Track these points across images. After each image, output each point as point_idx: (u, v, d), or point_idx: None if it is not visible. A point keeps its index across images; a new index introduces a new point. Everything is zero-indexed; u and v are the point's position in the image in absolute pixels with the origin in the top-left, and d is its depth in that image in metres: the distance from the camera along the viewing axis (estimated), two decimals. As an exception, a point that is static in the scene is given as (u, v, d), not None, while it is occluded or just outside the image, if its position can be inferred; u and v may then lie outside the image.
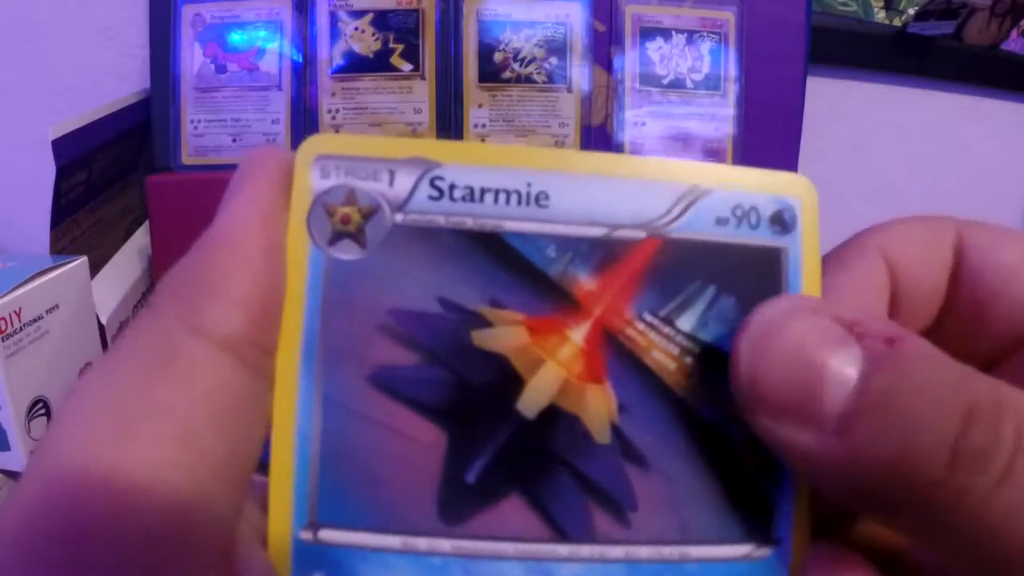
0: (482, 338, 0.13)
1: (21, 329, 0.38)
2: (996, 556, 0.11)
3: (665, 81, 0.57)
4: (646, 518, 0.13)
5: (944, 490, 0.11)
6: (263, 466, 0.13)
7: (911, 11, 0.68)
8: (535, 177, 0.13)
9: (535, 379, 0.13)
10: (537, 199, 0.13)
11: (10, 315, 0.38)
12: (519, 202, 0.13)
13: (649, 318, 0.14)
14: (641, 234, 0.13)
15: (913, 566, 0.14)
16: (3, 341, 0.37)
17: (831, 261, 0.15)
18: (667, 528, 0.13)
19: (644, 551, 0.13)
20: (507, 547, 0.13)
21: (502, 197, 0.13)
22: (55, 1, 0.62)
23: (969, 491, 0.11)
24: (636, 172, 0.14)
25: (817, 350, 0.12)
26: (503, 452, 0.13)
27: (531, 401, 0.13)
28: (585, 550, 0.13)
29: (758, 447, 0.13)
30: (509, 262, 0.13)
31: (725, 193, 0.14)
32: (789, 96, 0.59)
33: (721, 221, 0.14)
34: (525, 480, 0.13)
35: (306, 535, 0.13)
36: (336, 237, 0.13)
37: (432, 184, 0.13)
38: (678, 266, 0.14)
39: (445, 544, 0.13)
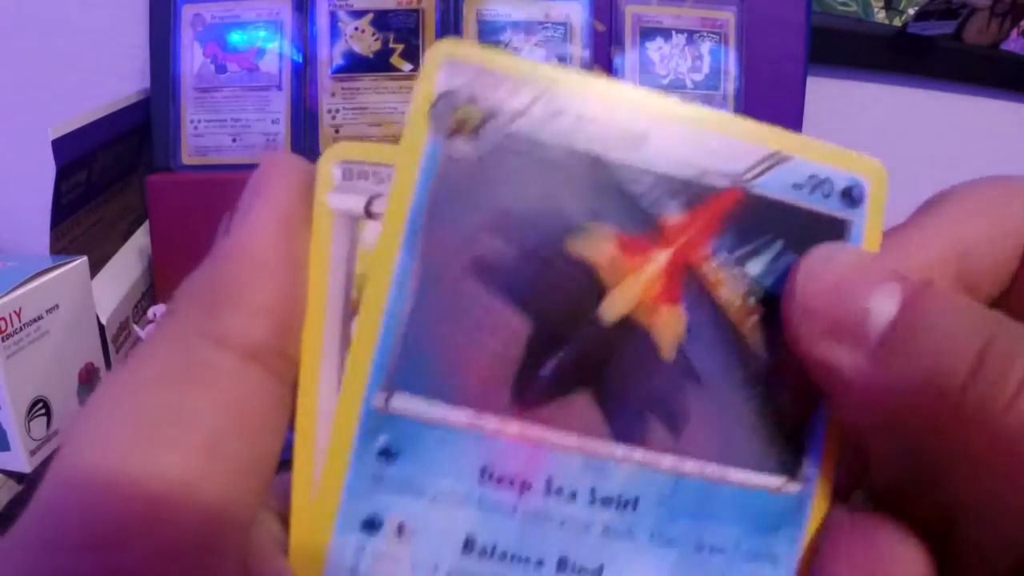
0: (576, 245, 0.14)
1: (21, 329, 0.38)
2: (1014, 479, 0.12)
3: (665, 81, 0.57)
4: (695, 435, 0.14)
5: (964, 406, 0.12)
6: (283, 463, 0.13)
7: (911, 11, 0.68)
8: (640, 117, 0.14)
9: (618, 289, 0.14)
10: (639, 137, 0.14)
11: (10, 315, 0.38)
12: (623, 136, 0.14)
13: (723, 257, 0.15)
14: (726, 183, 0.15)
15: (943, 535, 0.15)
16: (3, 341, 0.37)
17: (900, 229, 0.16)
18: (713, 448, 0.15)
19: (689, 465, 0.14)
20: (570, 440, 0.14)
21: (609, 129, 0.14)
22: (55, 1, 0.62)
23: (989, 400, 0.12)
24: (728, 129, 0.15)
25: (864, 282, 0.13)
26: (578, 352, 0.14)
27: (611, 308, 0.14)
28: (638, 454, 0.14)
29: (801, 392, 0.15)
30: (607, 186, 0.14)
31: (804, 162, 0.15)
32: (789, 96, 0.59)
33: (797, 186, 0.15)
34: (594, 381, 0.14)
35: (379, 400, 0.13)
36: (454, 132, 0.14)
37: (548, 105, 0.14)
38: (754, 218, 0.15)
39: (513, 427, 0.14)
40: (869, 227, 0.15)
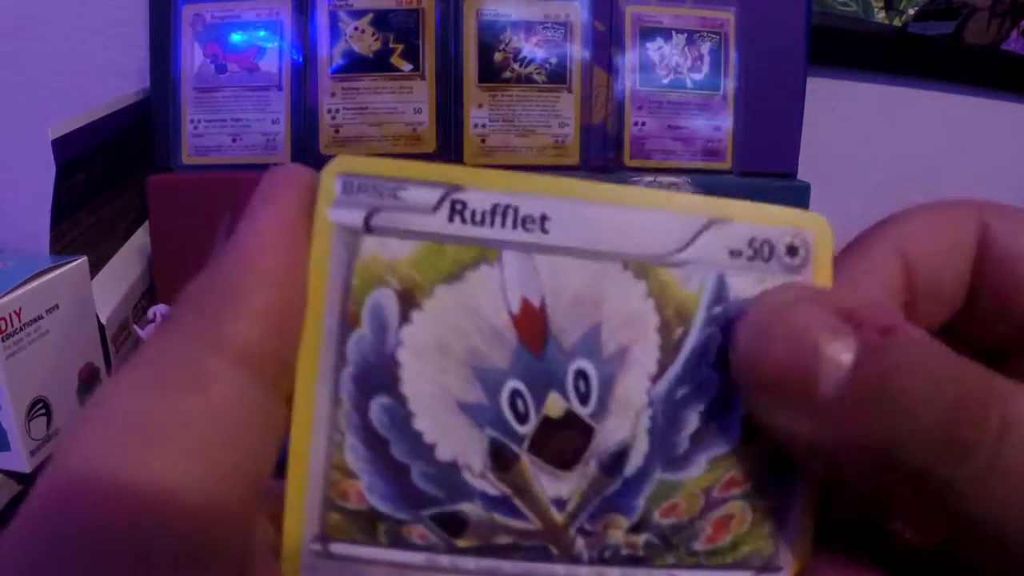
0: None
1: (21, 329, 0.38)
2: (991, 539, 0.11)
3: (665, 81, 0.57)
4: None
5: (931, 478, 0.11)
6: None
7: (911, 11, 0.68)
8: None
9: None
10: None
11: (10, 315, 0.38)
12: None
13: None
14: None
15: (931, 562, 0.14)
16: (3, 341, 0.37)
17: (845, 255, 0.15)
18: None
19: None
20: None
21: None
22: (55, 1, 0.62)
23: (955, 480, 0.11)
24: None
25: (814, 336, 0.12)
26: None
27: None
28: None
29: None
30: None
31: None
32: (789, 96, 0.59)
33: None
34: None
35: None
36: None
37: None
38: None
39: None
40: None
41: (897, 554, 0.14)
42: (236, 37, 0.55)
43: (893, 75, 0.71)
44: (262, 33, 0.55)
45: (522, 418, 0.14)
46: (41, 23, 0.62)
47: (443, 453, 0.13)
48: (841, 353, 0.12)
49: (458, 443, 0.14)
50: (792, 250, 0.14)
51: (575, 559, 0.14)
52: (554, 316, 0.14)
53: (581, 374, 0.14)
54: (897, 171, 0.74)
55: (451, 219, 0.13)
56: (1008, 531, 0.11)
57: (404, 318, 0.13)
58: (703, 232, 0.14)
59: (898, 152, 0.74)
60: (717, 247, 0.14)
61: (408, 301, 0.13)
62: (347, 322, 0.13)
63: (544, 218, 0.14)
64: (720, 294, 0.14)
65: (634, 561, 0.14)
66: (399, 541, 0.13)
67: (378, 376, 0.13)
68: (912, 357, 0.12)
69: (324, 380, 0.13)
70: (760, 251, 0.14)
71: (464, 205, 0.14)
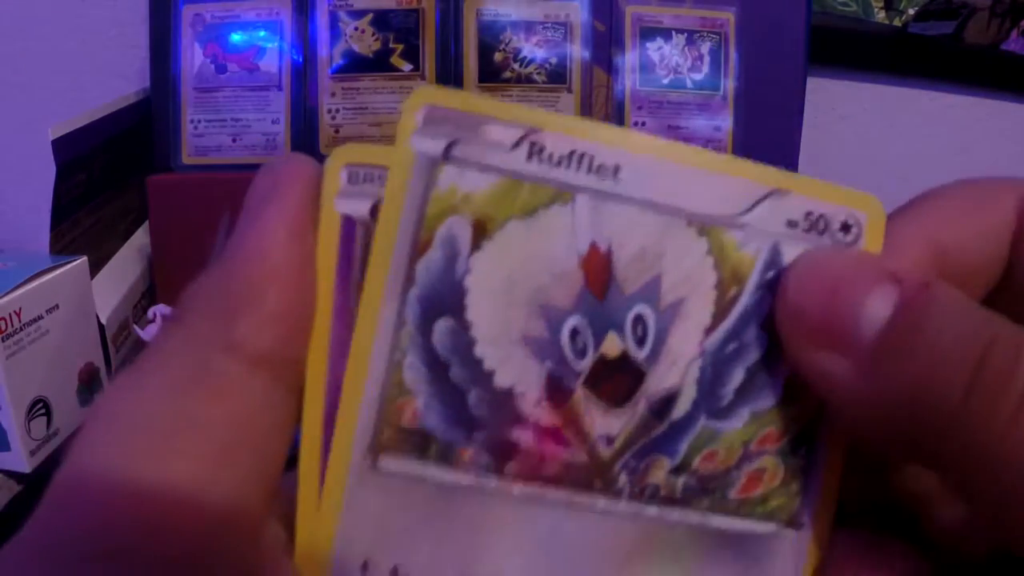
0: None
1: (21, 329, 0.38)
2: (1011, 490, 0.11)
3: (665, 81, 0.57)
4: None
5: (961, 419, 0.11)
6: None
7: (911, 11, 0.68)
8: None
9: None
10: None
11: (10, 315, 0.38)
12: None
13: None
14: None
15: (948, 516, 0.15)
16: (3, 341, 0.37)
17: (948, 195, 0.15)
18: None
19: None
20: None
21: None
22: (55, 1, 0.62)
23: (984, 420, 0.11)
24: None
25: (857, 284, 0.13)
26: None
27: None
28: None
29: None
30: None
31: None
32: (789, 96, 0.59)
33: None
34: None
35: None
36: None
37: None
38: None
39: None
40: None
41: (922, 530, 0.15)
42: (236, 37, 0.55)
43: (893, 75, 0.71)
44: (262, 33, 0.55)
45: (580, 354, 0.14)
46: (41, 23, 0.63)
47: (501, 380, 0.14)
48: (881, 301, 0.13)
49: (516, 372, 0.14)
50: (846, 227, 0.15)
51: (616, 494, 0.14)
52: (619, 263, 0.14)
53: (639, 319, 0.14)
54: (897, 171, 0.74)
55: (529, 158, 0.14)
56: None
57: (476, 246, 0.14)
58: (764, 200, 0.14)
59: (898, 152, 0.74)
60: (776, 216, 0.14)
61: (481, 231, 0.14)
62: (417, 247, 0.13)
63: (617, 168, 0.14)
64: (774, 260, 0.14)
65: (671, 501, 0.14)
66: (448, 461, 0.14)
67: (444, 299, 0.13)
68: (948, 307, 0.12)
69: (390, 300, 0.13)
70: (816, 224, 0.15)
71: (543, 148, 0.14)
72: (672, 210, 0.14)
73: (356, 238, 0.13)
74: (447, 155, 0.13)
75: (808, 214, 0.15)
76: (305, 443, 0.13)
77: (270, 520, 0.13)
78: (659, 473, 0.14)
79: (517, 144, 0.14)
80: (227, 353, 0.12)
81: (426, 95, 0.13)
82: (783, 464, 0.15)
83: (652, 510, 0.14)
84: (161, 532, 0.11)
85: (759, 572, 0.15)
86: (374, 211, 0.13)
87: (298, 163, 0.13)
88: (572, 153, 0.14)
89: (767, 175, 0.15)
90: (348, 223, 0.13)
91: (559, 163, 0.14)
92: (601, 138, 0.14)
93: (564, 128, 0.14)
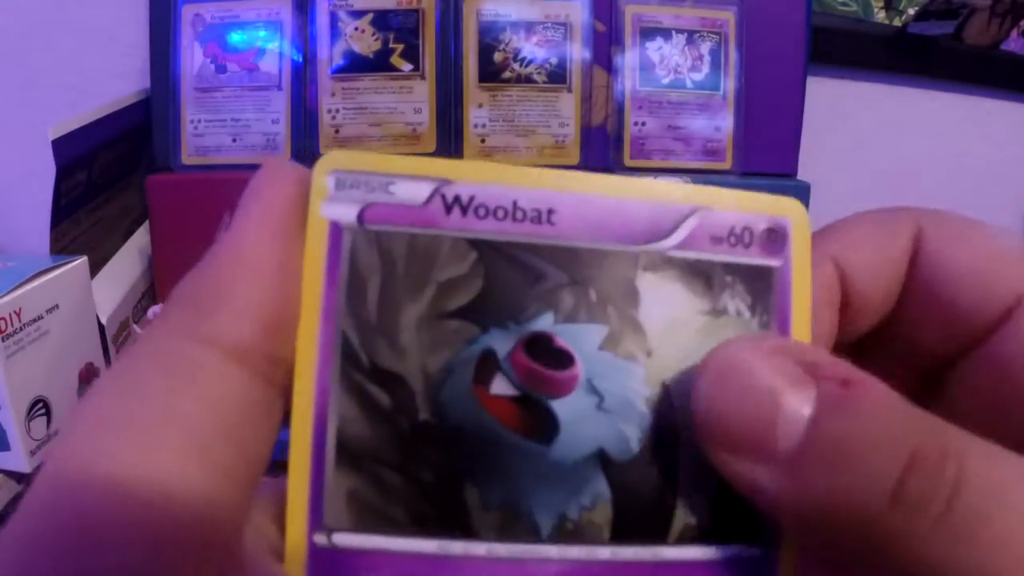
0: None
1: (21, 329, 0.38)
2: None
3: (665, 81, 0.57)
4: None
5: (885, 531, 0.11)
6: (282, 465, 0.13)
7: (911, 11, 0.68)
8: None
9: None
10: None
11: (10, 315, 0.38)
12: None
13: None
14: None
15: None
16: (3, 341, 0.37)
17: (862, 222, 0.16)
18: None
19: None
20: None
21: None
22: (55, 1, 0.62)
23: (908, 532, 0.11)
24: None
25: (775, 388, 0.12)
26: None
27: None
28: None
29: None
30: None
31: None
32: (789, 96, 0.59)
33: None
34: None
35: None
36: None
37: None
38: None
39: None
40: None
41: None
42: (236, 37, 0.55)
43: (893, 75, 0.71)
44: (262, 33, 0.55)
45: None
46: (41, 23, 0.63)
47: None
48: (799, 404, 0.12)
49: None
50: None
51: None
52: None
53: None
54: (897, 171, 0.74)
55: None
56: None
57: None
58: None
59: (898, 152, 0.74)
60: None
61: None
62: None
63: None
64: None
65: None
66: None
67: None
68: (870, 413, 0.12)
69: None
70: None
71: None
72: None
73: (343, 243, 0.14)
74: (361, 220, 0.14)
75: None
76: (294, 446, 0.13)
77: (261, 518, 0.13)
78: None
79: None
80: (202, 345, 0.12)
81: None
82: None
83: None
84: (137, 524, 0.11)
85: None
86: (360, 216, 0.14)
87: (283, 167, 0.14)
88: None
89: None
90: (335, 228, 0.14)
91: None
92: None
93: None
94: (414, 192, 0.14)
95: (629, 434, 0.14)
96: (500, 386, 0.14)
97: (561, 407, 0.14)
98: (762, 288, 0.14)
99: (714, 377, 0.13)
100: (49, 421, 0.41)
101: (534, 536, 0.14)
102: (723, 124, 0.57)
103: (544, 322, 0.14)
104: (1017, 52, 0.70)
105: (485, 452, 0.13)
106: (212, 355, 0.12)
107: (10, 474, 0.40)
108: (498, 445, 0.13)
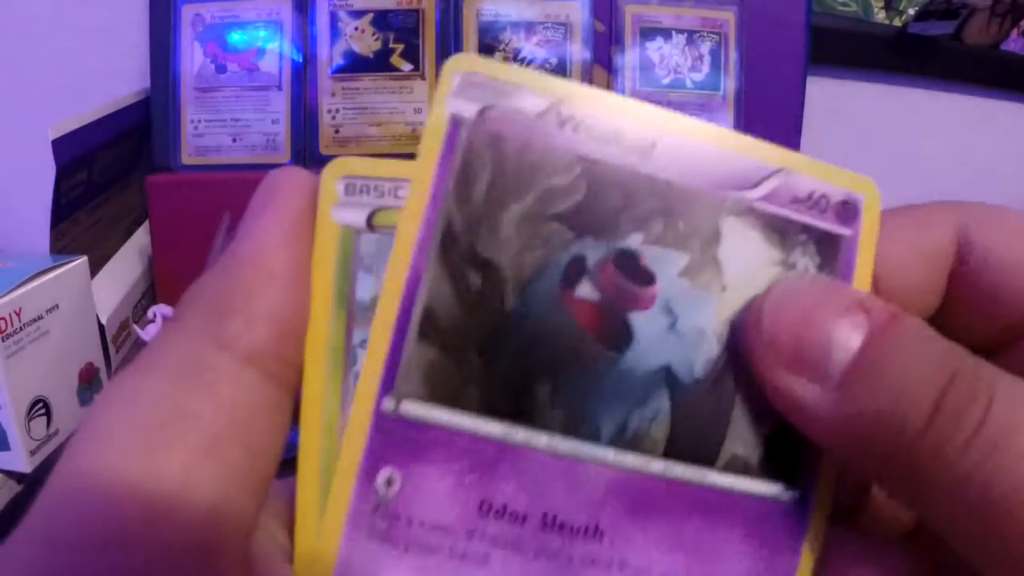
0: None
1: (21, 329, 0.38)
2: (970, 511, 0.12)
3: (665, 81, 0.57)
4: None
5: (923, 442, 0.12)
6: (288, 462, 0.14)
7: (911, 11, 0.68)
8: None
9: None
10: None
11: (10, 315, 0.38)
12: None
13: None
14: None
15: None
16: (3, 341, 0.37)
17: (898, 223, 0.16)
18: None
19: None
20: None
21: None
22: (55, 1, 0.62)
23: (945, 442, 0.12)
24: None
25: (829, 314, 0.13)
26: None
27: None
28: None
29: None
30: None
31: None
32: (789, 96, 0.59)
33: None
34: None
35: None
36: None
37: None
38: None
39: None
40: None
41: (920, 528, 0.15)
42: (236, 37, 0.55)
43: (893, 75, 0.71)
44: (262, 33, 0.55)
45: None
46: (41, 23, 0.63)
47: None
48: (851, 331, 0.13)
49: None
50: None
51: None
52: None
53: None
54: (897, 171, 0.74)
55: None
56: (984, 489, 0.12)
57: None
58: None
59: (898, 152, 0.74)
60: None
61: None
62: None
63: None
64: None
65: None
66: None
67: None
68: (915, 339, 0.13)
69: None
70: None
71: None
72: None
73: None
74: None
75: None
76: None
77: (270, 521, 0.13)
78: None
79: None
80: (218, 349, 0.12)
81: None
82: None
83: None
84: (149, 524, 0.11)
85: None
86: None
87: (294, 174, 0.14)
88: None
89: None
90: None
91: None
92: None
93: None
94: (532, 104, 0.14)
95: (695, 358, 0.15)
96: (585, 291, 0.14)
97: (637, 321, 0.14)
98: (830, 252, 0.15)
99: (776, 301, 0.14)
100: (49, 421, 0.41)
101: (594, 438, 0.14)
102: (723, 124, 0.57)
103: (633, 240, 0.14)
104: (1017, 52, 0.70)
105: (561, 351, 0.14)
106: (226, 359, 0.12)
107: (10, 474, 0.40)
108: (574, 347, 0.14)
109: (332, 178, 0.14)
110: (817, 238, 0.15)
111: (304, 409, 0.13)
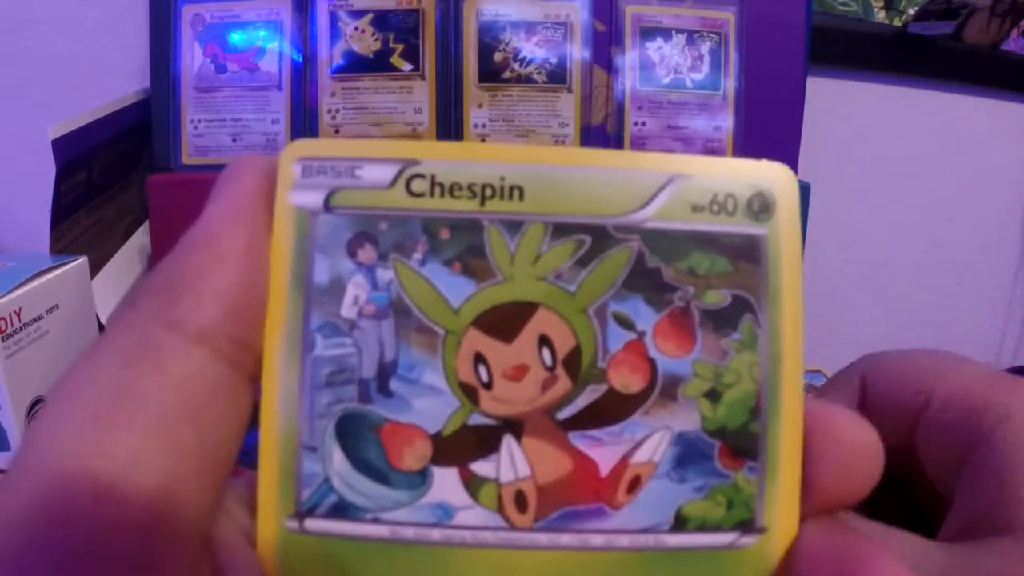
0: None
1: (21, 329, 0.38)
2: None
3: (665, 81, 0.57)
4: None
5: None
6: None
7: (911, 11, 0.68)
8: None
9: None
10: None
11: (10, 315, 0.38)
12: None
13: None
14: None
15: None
16: (3, 341, 0.37)
17: (828, 385, 0.18)
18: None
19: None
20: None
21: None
22: (55, 1, 0.62)
23: None
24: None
25: None
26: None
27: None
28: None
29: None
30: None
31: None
32: (789, 96, 0.59)
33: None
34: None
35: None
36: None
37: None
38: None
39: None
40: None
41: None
42: (236, 37, 0.55)
43: (893, 75, 0.71)
44: (262, 33, 0.55)
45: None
46: (41, 23, 0.62)
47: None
48: None
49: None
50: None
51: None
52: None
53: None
54: (897, 171, 0.74)
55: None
56: None
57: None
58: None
59: (898, 152, 0.74)
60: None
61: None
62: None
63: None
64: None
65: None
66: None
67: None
68: None
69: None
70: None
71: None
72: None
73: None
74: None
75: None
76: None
77: (236, 506, 0.13)
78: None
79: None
80: (168, 329, 0.12)
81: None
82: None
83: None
84: (98, 503, 0.11)
85: None
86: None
87: (254, 160, 0.14)
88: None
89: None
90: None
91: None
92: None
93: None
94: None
95: None
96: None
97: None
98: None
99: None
100: (49, 421, 0.41)
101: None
102: (723, 124, 0.57)
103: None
104: (1017, 52, 0.70)
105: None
106: (176, 338, 0.12)
107: (10, 474, 0.40)
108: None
109: (289, 160, 0.14)
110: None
111: (263, 395, 0.13)
